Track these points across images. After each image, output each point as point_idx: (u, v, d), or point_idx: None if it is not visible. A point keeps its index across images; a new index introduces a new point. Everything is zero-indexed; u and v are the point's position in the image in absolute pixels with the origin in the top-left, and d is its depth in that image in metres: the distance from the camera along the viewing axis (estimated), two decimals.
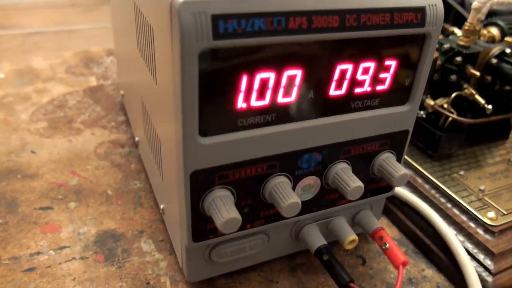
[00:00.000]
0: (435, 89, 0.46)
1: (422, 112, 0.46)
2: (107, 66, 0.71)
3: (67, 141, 0.51)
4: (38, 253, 0.36)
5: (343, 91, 0.29)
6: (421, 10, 0.28)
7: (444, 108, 0.45)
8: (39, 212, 0.40)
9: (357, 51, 0.28)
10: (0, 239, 0.37)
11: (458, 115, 0.45)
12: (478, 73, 0.44)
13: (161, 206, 0.37)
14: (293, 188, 0.31)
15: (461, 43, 0.44)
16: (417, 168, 0.44)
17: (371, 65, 0.29)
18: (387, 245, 0.34)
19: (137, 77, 0.39)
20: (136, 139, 0.47)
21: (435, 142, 0.45)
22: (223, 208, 0.27)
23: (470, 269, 0.35)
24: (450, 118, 0.44)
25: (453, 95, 0.44)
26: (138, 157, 0.49)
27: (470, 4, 0.66)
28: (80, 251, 0.37)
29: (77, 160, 0.48)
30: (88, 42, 0.80)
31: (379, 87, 0.30)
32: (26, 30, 0.85)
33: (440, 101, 0.45)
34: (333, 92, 0.28)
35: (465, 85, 0.45)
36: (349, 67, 0.28)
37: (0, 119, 0.54)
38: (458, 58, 0.44)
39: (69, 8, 1.00)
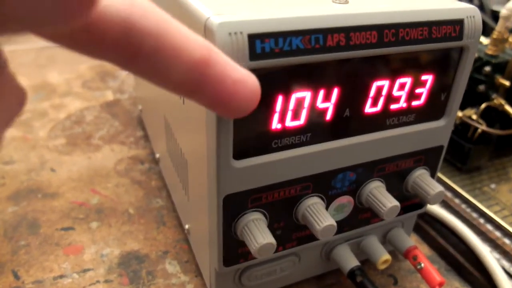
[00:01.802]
0: (463, 99, 0.45)
1: None
2: (123, 79, 0.71)
3: (86, 158, 0.50)
4: (61, 276, 0.35)
5: (378, 108, 0.28)
6: (459, 23, 0.27)
7: (472, 120, 0.44)
8: (61, 233, 0.40)
9: (393, 66, 0.27)
10: (23, 262, 0.36)
11: (487, 126, 0.43)
12: (507, 83, 0.43)
13: (186, 226, 0.36)
14: (326, 208, 0.30)
15: (490, 52, 0.43)
16: (446, 182, 0.43)
17: (407, 80, 0.28)
18: (422, 264, 0.32)
19: (160, 93, 0.38)
20: (157, 155, 0.46)
21: (464, 155, 0.44)
22: (258, 232, 0.26)
23: None
24: (479, 130, 0.43)
25: (483, 106, 0.43)
26: (159, 173, 0.48)
27: (490, 10, 0.65)
28: (104, 274, 0.36)
29: (97, 178, 0.47)
30: None
31: (414, 103, 0.29)
32: (39, 44, 0.84)
33: (468, 112, 0.44)
34: (368, 109, 0.27)
35: (494, 95, 0.43)
36: (385, 83, 0.27)
37: (19, 136, 0.54)
38: (487, 68, 0.43)
39: None
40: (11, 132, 0.54)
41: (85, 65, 0.75)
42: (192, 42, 0.16)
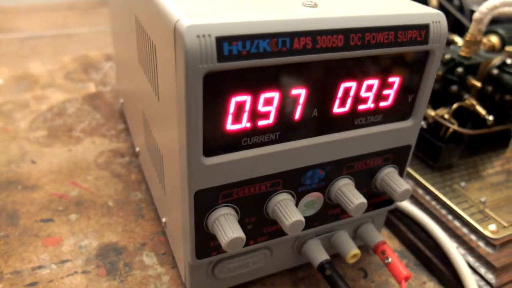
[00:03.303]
0: (435, 99, 0.46)
1: (423, 123, 0.46)
2: (106, 72, 0.71)
3: (67, 151, 0.51)
4: (40, 267, 0.36)
5: (346, 108, 0.29)
6: (425, 28, 0.28)
7: (445, 119, 0.45)
8: (40, 224, 0.40)
9: (360, 69, 0.28)
10: (2, 252, 0.37)
11: (458, 125, 0.45)
12: (479, 84, 0.44)
13: (163, 220, 0.37)
14: (296, 204, 0.31)
15: (462, 53, 0.45)
16: (417, 179, 0.44)
17: (374, 82, 0.29)
18: (389, 259, 0.34)
19: (139, 89, 0.39)
20: (137, 149, 0.47)
21: (435, 153, 0.45)
22: (227, 227, 0.27)
23: (471, 283, 0.35)
24: (451, 129, 0.44)
25: (454, 106, 0.44)
26: (139, 167, 0.49)
27: (469, 10, 0.66)
28: (82, 265, 0.36)
29: (77, 170, 0.48)
30: (86, 47, 0.80)
31: (382, 104, 0.30)
32: (23, 34, 0.84)
33: (440, 111, 0.45)
34: (336, 109, 0.28)
35: (466, 96, 0.45)
36: (353, 84, 0.28)
37: (0, 127, 0.54)
38: (459, 69, 0.44)
39: (66, 10, 1.00)
40: None
41: (68, 56, 0.75)
42: None
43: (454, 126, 0.44)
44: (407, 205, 0.41)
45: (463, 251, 0.38)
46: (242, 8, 0.25)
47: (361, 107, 0.29)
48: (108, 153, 0.51)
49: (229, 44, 0.22)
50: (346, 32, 0.25)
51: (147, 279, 0.36)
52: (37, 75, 0.68)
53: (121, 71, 0.52)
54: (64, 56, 0.76)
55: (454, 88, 0.45)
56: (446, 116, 0.45)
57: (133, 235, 0.40)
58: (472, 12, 0.66)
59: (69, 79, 0.68)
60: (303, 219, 0.28)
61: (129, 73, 0.44)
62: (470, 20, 0.61)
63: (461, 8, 0.63)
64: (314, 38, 0.24)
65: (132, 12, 0.35)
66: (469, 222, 0.39)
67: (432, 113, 0.45)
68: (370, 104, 0.30)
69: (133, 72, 0.41)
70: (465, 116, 0.45)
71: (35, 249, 0.38)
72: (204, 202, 0.27)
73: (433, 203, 0.42)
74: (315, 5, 0.27)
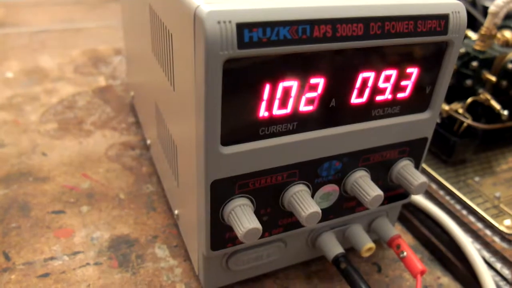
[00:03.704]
0: (450, 93, 0.46)
1: None
2: (115, 66, 0.71)
3: (78, 143, 0.51)
4: (52, 258, 0.36)
5: (364, 99, 0.28)
6: (444, 18, 0.28)
7: (459, 113, 0.44)
8: (51, 216, 0.40)
9: (379, 59, 0.27)
10: (14, 244, 0.37)
11: (473, 120, 0.44)
12: (494, 78, 0.43)
13: (176, 212, 0.37)
14: (312, 196, 0.30)
15: (477, 47, 0.44)
16: (431, 174, 0.44)
17: (392, 72, 0.28)
18: (405, 253, 0.33)
19: (151, 80, 0.39)
20: (148, 141, 0.47)
21: (449, 147, 0.45)
22: (244, 217, 0.27)
23: (487, 278, 0.35)
24: (465, 123, 0.44)
25: (469, 100, 0.44)
26: (150, 159, 0.48)
27: (482, 5, 0.66)
28: (94, 257, 0.36)
29: (88, 163, 0.48)
30: (95, 41, 0.80)
31: (400, 95, 0.30)
32: (32, 28, 0.84)
33: (455, 106, 0.45)
34: (354, 100, 0.28)
35: (481, 90, 0.44)
36: (371, 75, 0.28)
37: (10, 120, 0.54)
38: (474, 63, 0.43)
39: (73, 5, 1.00)
40: (3, 116, 0.55)
41: (77, 50, 0.75)
42: None
43: (468, 121, 0.44)
44: (421, 200, 0.41)
45: (478, 246, 0.37)
46: None
47: (378, 98, 0.29)
48: (118, 146, 0.51)
49: (249, 31, 0.22)
50: (366, 21, 0.25)
51: (160, 271, 0.35)
52: (47, 68, 0.68)
53: (132, 64, 0.52)
54: (73, 50, 0.75)
55: (468, 82, 0.44)
56: (460, 110, 0.44)
57: (145, 227, 0.40)
58: (485, 6, 0.66)
59: (79, 72, 0.68)
60: (320, 211, 0.28)
61: (141, 65, 0.44)
62: (483, 14, 0.60)
63: (473, 3, 0.63)
64: (334, 26, 0.24)
65: (146, 1, 0.35)
66: (484, 217, 0.39)
67: (446, 107, 0.44)
68: (387, 95, 0.29)
69: (146, 64, 0.40)
70: (479, 110, 0.45)
71: (47, 241, 0.38)
72: (220, 192, 0.27)
73: (447, 198, 0.42)
74: None
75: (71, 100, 0.60)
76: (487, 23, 0.43)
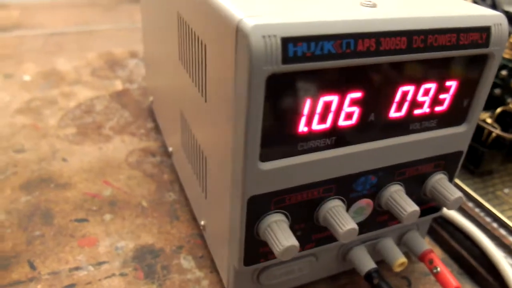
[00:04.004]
0: None
1: None
2: (132, 69, 0.70)
3: (98, 149, 0.50)
4: (77, 268, 0.35)
5: (403, 113, 0.28)
6: (486, 30, 0.27)
7: (487, 123, 0.43)
8: (75, 224, 0.40)
9: (419, 72, 0.27)
10: (38, 252, 0.36)
11: (501, 130, 0.43)
12: None
13: (202, 222, 0.36)
14: (346, 210, 0.30)
15: (507, 56, 0.43)
16: (459, 185, 0.43)
17: (432, 86, 0.28)
18: (438, 269, 0.33)
19: (176, 88, 0.38)
20: (170, 149, 0.46)
21: (478, 158, 0.44)
22: (281, 234, 0.26)
23: None
24: (493, 134, 0.43)
25: (498, 110, 0.43)
26: (170, 166, 0.48)
27: (502, 10, 0.65)
28: (119, 267, 0.36)
29: (109, 169, 0.47)
30: (110, 43, 0.79)
31: (437, 108, 0.29)
32: (46, 30, 0.84)
33: (483, 115, 0.44)
34: (393, 114, 0.27)
35: (509, 100, 0.43)
36: (410, 88, 0.27)
37: (29, 124, 0.54)
38: (504, 72, 0.42)
39: (87, 7, 0.99)
40: (22, 120, 0.54)
41: (93, 52, 0.75)
42: None
43: (497, 131, 0.43)
44: (450, 212, 0.40)
45: (511, 261, 0.37)
46: (301, 7, 0.24)
47: (416, 111, 0.28)
48: (139, 152, 0.50)
49: (294, 45, 0.22)
50: (409, 34, 0.24)
51: (186, 283, 0.35)
52: (64, 71, 0.68)
53: (151, 68, 0.51)
54: (88, 52, 0.75)
55: (497, 91, 0.43)
56: (489, 120, 0.44)
57: (169, 237, 0.39)
58: (505, 12, 0.64)
59: (96, 76, 0.67)
60: (357, 227, 0.27)
61: (163, 71, 0.44)
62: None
63: (493, 8, 0.62)
64: (378, 39, 0.23)
65: (173, 8, 0.35)
66: None
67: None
68: (425, 109, 0.29)
69: (169, 70, 0.40)
70: (508, 120, 0.44)
71: (71, 250, 0.37)
72: (256, 208, 0.26)
73: (477, 210, 0.41)
74: (374, 5, 0.26)
75: (89, 104, 0.59)
76: None
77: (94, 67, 0.70)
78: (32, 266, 0.35)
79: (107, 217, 0.41)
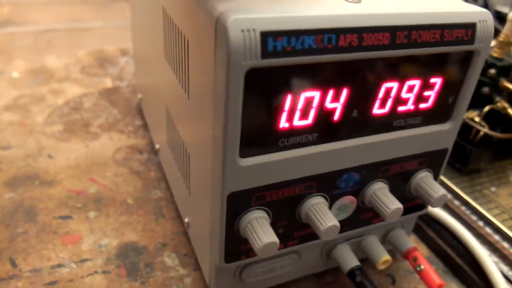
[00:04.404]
0: None
1: None
2: (122, 66, 0.70)
3: (84, 146, 0.50)
4: (59, 265, 0.35)
5: (386, 109, 0.27)
6: (471, 27, 0.27)
7: (475, 122, 0.43)
8: (58, 221, 0.39)
9: (403, 68, 0.26)
10: (20, 250, 0.36)
11: (489, 128, 0.43)
12: (511, 86, 0.42)
13: (186, 220, 0.36)
14: (329, 208, 0.29)
15: (495, 54, 0.43)
16: (446, 183, 0.43)
17: (416, 83, 0.27)
18: (422, 266, 0.32)
19: (162, 85, 0.38)
20: (157, 146, 0.46)
21: (465, 156, 0.44)
22: (261, 231, 0.26)
23: None
24: (481, 132, 0.43)
25: (486, 108, 0.43)
26: (158, 164, 0.47)
27: (494, 10, 0.65)
28: (102, 265, 0.35)
29: (95, 167, 0.47)
30: (101, 41, 0.79)
31: (422, 105, 0.29)
32: (37, 27, 0.83)
33: (471, 114, 0.44)
34: (376, 110, 0.27)
35: (498, 98, 0.43)
36: (394, 85, 0.27)
37: (16, 121, 0.53)
38: (492, 71, 0.42)
39: (79, 4, 0.99)
40: (9, 117, 0.54)
41: (84, 50, 0.74)
42: None
43: (485, 129, 0.43)
44: (436, 210, 0.40)
45: (495, 259, 0.36)
46: (283, 2, 0.23)
47: (400, 108, 0.28)
48: (126, 150, 0.50)
49: (274, 40, 0.21)
50: (393, 30, 0.24)
51: (169, 281, 0.35)
52: (53, 68, 0.67)
53: (140, 66, 0.51)
54: (79, 50, 0.75)
55: (485, 90, 0.43)
56: (477, 118, 0.43)
57: (154, 234, 0.39)
58: (497, 12, 0.65)
59: (85, 73, 0.67)
60: (339, 224, 0.27)
61: (151, 69, 0.43)
62: (497, 20, 0.59)
63: (485, 8, 0.62)
64: (360, 35, 0.23)
65: (159, 4, 0.34)
66: (501, 229, 0.38)
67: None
68: (410, 106, 0.28)
69: (156, 68, 0.39)
70: (495, 119, 0.44)
71: (54, 247, 0.37)
72: (237, 204, 0.26)
73: (463, 208, 0.41)
74: (359, 1, 0.25)
75: (78, 102, 0.59)
76: (506, 30, 0.42)
77: (84, 64, 0.70)
78: (13, 264, 0.35)
79: (92, 214, 0.40)
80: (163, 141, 0.42)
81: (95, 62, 0.71)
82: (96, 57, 0.72)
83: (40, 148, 0.49)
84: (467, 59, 0.28)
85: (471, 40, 0.27)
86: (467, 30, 0.27)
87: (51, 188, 0.43)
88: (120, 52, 0.75)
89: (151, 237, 0.39)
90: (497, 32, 0.43)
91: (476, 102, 0.44)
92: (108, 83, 0.64)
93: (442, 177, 0.44)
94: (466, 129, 0.45)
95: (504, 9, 0.62)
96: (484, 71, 0.43)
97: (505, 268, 0.36)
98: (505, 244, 0.37)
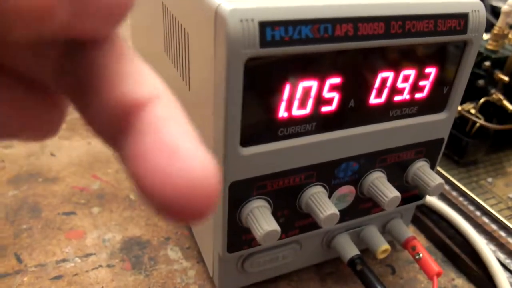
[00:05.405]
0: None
1: None
2: None
3: (86, 143, 0.50)
4: (64, 260, 0.36)
5: (383, 99, 0.28)
6: (464, 17, 0.27)
7: (471, 114, 0.44)
8: (62, 217, 0.40)
9: (398, 58, 0.27)
10: (25, 245, 0.36)
11: (485, 120, 0.44)
12: (506, 78, 0.43)
13: None
14: (329, 197, 0.30)
15: (490, 47, 0.44)
16: (443, 175, 0.44)
17: (411, 72, 0.28)
18: (421, 255, 0.33)
19: (163, 79, 0.38)
20: None
21: (461, 148, 0.44)
22: (262, 219, 0.26)
23: (503, 280, 0.34)
24: (477, 124, 0.44)
25: (482, 100, 0.44)
26: None
27: (490, 5, 0.65)
28: (106, 259, 0.36)
29: (97, 164, 0.47)
30: None
31: (417, 95, 0.29)
32: None
33: (467, 106, 0.44)
34: (373, 100, 0.28)
35: (493, 90, 0.44)
36: (390, 75, 0.27)
37: None
38: (487, 63, 0.43)
39: None
40: None
41: None
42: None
43: (480, 121, 0.43)
44: (434, 201, 0.41)
45: (493, 248, 0.37)
46: None
47: (397, 98, 0.29)
48: None
49: (272, 29, 0.22)
50: (387, 20, 0.25)
51: (173, 274, 0.35)
52: None
53: None
54: None
55: (481, 82, 0.44)
56: (473, 111, 0.44)
57: (157, 228, 0.39)
58: (493, 7, 0.65)
59: None
60: (338, 212, 0.28)
61: (150, 64, 0.44)
62: (491, 14, 0.60)
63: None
64: (356, 25, 0.24)
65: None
66: (498, 219, 0.39)
67: (458, 107, 0.44)
68: (406, 96, 0.29)
69: (156, 63, 0.40)
70: (491, 111, 0.45)
71: (58, 242, 0.37)
72: (238, 194, 0.27)
73: (461, 199, 0.41)
74: None
75: None
76: (500, 22, 0.43)
77: None
78: (19, 259, 0.35)
79: (95, 210, 0.41)
80: None
81: None
82: None
83: (42, 146, 0.49)
84: (460, 48, 0.29)
85: (464, 30, 0.28)
86: (460, 20, 0.27)
87: (55, 185, 0.44)
88: None
89: (154, 231, 0.39)
90: (492, 26, 0.44)
91: (472, 95, 0.45)
92: None
93: (440, 169, 0.44)
94: (462, 121, 0.45)
95: (499, 4, 0.63)
96: (479, 64, 0.44)
97: (502, 256, 0.36)
98: (502, 233, 0.38)
